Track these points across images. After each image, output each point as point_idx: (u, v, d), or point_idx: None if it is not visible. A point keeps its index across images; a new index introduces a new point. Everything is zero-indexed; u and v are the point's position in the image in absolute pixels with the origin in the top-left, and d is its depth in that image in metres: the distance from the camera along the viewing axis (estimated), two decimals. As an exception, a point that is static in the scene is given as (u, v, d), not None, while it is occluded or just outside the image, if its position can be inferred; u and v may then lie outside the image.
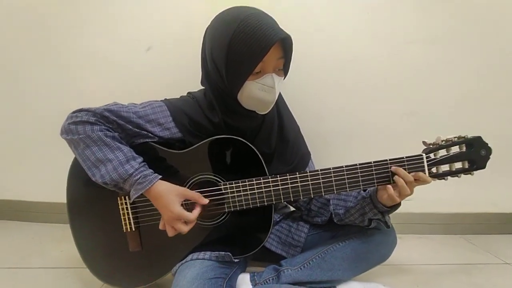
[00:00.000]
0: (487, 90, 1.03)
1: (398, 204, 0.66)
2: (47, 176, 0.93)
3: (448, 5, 0.98)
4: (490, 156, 0.62)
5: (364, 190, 0.72)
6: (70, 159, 0.70)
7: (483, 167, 0.62)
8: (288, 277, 0.70)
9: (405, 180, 0.61)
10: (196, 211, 0.62)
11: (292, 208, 0.90)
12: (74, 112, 0.64)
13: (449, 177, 0.63)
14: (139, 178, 0.60)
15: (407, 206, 1.06)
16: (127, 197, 0.67)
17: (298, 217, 0.84)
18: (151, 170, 0.62)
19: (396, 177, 0.62)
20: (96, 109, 0.63)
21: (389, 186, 0.63)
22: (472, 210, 1.12)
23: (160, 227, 0.63)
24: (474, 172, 0.63)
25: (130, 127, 0.65)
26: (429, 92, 1.03)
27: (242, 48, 0.59)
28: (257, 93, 0.64)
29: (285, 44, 0.64)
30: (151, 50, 1.00)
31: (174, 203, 0.60)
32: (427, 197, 1.06)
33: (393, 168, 0.62)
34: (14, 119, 1.09)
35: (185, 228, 0.61)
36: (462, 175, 0.63)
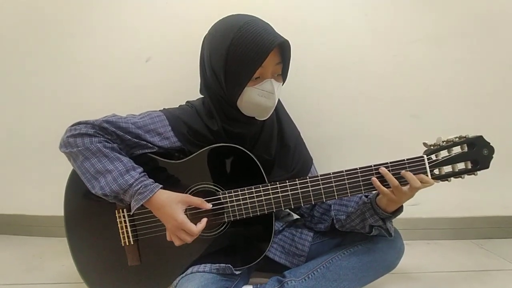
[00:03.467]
0: (493, 89, 1.02)
1: (400, 211, 0.64)
2: (48, 189, 0.92)
3: (451, 3, 0.98)
4: (493, 156, 0.61)
5: (366, 196, 0.70)
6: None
7: (487, 166, 0.61)
8: (292, 288, 0.67)
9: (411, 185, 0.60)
10: (201, 225, 0.60)
11: (295, 216, 0.89)
12: (72, 126, 0.65)
13: (452, 178, 0.62)
14: (140, 188, 0.59)
15: (415, 211, 1.05)
16: (125, 210, 0.67)
17: (301, 225, 0.82)
18: (152, 180, 0.62)
19: (381, 169, 0.61)
20: (95, 121, 0.64)
21: (374, 178, 0.61)
22: (482, 214, 1.09)
23: (168, 238, 0.62)
24: (478, 172, 0.61)
25: (129, 137, 0.65)
26: (432, 93, 1.02)
27: (240, 54, 0.60)
28: (256, 99, 0.64)
29: (283, 49, 0.64)
30: (150, 60, 1.01)
31: (177, 211, 0.59)
32: (435, 201, 1.04)
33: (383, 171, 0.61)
34: (15, 132, 1.10)
35: (189, 238, 0.60)
36: (466, 176, 0.62)
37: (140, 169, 0.63)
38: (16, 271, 0.89)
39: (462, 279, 0.83)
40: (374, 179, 0.61)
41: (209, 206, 0.62)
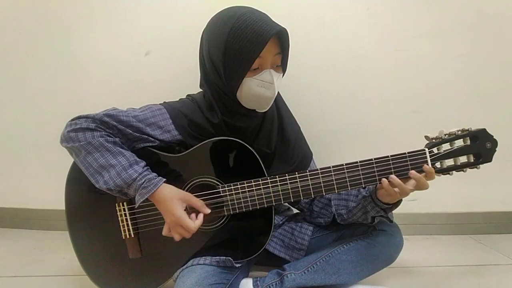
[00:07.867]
0: (495, 85, 1.01)
1: (400, 201, 0.64)
2: (48, 183, 0.93)
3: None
4: (496, 149, 0.60)
5: (364, 188, 0.70)
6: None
7: (490, 160, 0.60)
8: (292, 281, 0.68)
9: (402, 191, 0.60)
10: (198, 221, 0.60)
11: (295, 211, 0.89)
12: (73, 120, 0.64)
13: (454, 171, 0.61)
14: (144, 182, 0.59)
15: (414, 206, 1.05)
16: (125, 203, 0.67)
17: (301, 219, 0.82)
18: (155, 174, 0.62)
19: (391, 176, 0.60)
20: (95, 115, 0.63)
21: (384, 179, 0.60)
22: (481, 209, 1.09)
23: (164, 232, 0.62)
24: (481, 166, 0.61)
25: (130, 131, 0.65)
26: (434, 88, 1.01)
27: (239, 45, 0.60)
28: (256, 90, 0.64)
29: (282, 39, 0.64)
30: (150, 54, 1.01)
31: (176, 206, 0.60)
32: (434, 197, 1.04)
33: (391, 176, 0.61)
34: (16, 126, 1.10)
35: (187, 234, 0.60)
36: (468, 169, 0.61)
37: (143, 163, 0.62)
38: (17, 264, 0.90)
39: (460, 274, 0.84)
40: (385, 183, 0.60)
41: (207, 211, 0.62)
